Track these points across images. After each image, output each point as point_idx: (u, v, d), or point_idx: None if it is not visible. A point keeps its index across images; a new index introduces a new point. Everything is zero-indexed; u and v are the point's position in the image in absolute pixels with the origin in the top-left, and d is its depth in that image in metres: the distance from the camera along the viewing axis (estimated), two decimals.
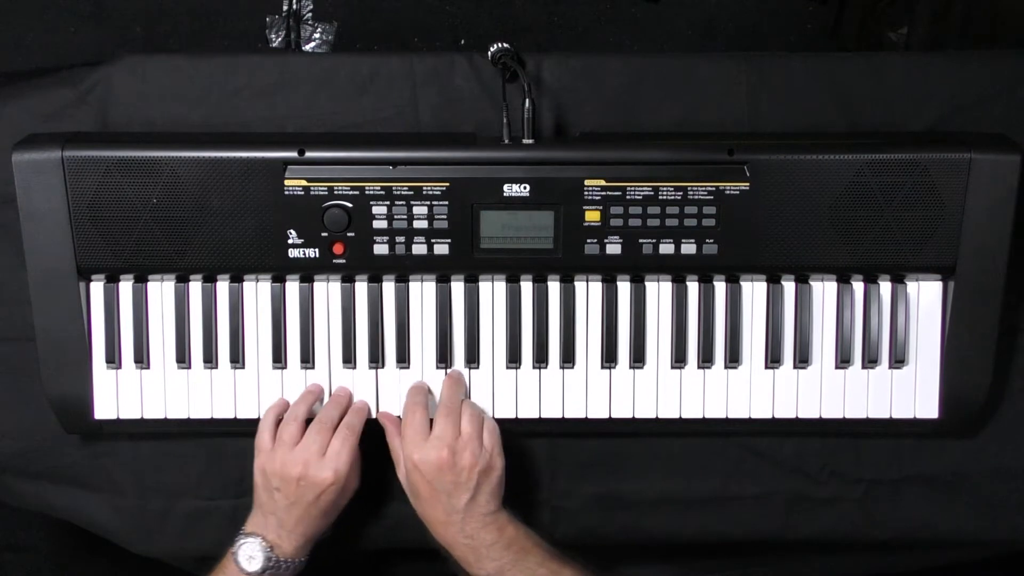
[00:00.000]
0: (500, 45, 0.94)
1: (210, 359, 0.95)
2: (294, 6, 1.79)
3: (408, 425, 0.90)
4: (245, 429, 0.96)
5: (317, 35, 1.80)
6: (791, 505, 1.00)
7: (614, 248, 0.91)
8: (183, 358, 0.95)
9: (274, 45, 1.80)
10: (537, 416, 0.96)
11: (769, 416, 0.96)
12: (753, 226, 0.90)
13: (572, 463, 0.99)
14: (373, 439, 0.94)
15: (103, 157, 0.88)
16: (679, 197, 0.89)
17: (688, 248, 0.91)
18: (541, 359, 0.95)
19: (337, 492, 0.89)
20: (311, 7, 1.80)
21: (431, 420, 0.90)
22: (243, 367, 0.95)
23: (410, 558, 1.01)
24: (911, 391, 0.95)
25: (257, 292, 0.94)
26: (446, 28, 1.83)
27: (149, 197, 0.89)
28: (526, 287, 0.95)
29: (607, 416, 0.95)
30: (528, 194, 0.89)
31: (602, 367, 0.95)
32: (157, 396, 0.95)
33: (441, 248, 0.91)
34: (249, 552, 0.89)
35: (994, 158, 0.89)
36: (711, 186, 0.89)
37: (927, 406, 0.95)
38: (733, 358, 0.95)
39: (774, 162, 0.89)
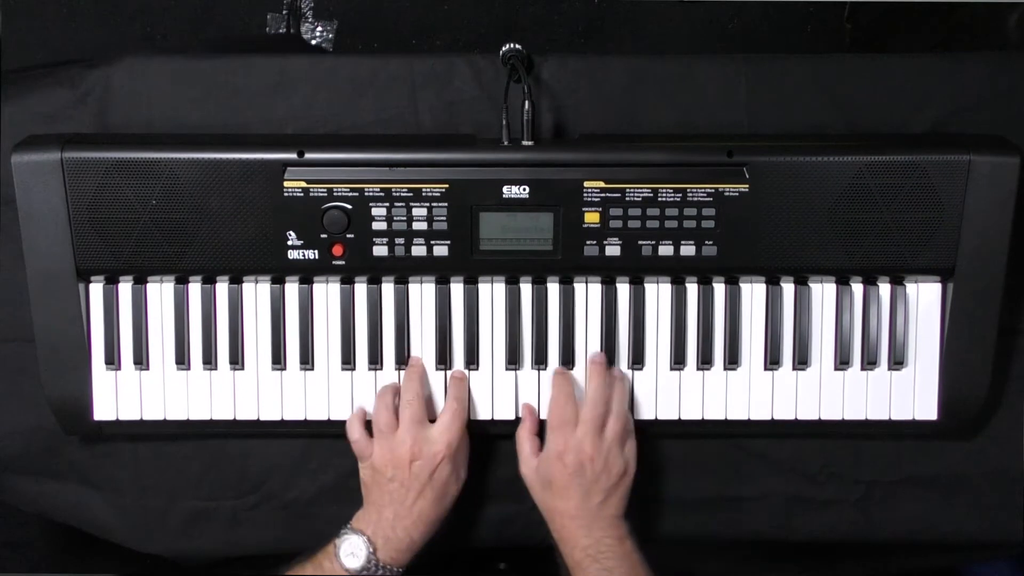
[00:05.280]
0: (512, 46, 0.93)
1: (209, 360, 0.95)
2: (294, 5, 1.79)
3: (558, 414, 0.90)
4: (244, 430, 0.96)
5: (317, 34, 1.80)
6: (791, 506, 1.00)
7: (613, 250, 0.91)
8: (182, 359, 0.95)
9: None
10: (537, 417, 0.95)
11: (768, 418, 0.95)
12: (752, 228, 0.90)
13: None
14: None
15: (102, 158, 0.88)
16: (678, 199, 0.89)
17: (687, 250, 0.91)
18: (540, 360, 0.95)
19: (451, 467, 0.89)
20: (311, 5, 1.80)
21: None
22: (242, 368, 0.95)
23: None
24: (910, 393, 0.95)
25: (256, 294, 0.94)
26: (446, 28, 1.83)
27: (148, 198, 0.89)
28: (525, 289, 0.94)
29: None
30: (527, 196, 0.89)
31: None
32: (156, 397, 0.95)
33: (440, 250, 0.91)
34: (352, 548, 0.86)
35: (993, 160, 0.89)
36: (710, 188, 0.89)
37: (926, 408, 0.95)
38: (732, 359, 0.95)
39: (773, 164, 0.89)
